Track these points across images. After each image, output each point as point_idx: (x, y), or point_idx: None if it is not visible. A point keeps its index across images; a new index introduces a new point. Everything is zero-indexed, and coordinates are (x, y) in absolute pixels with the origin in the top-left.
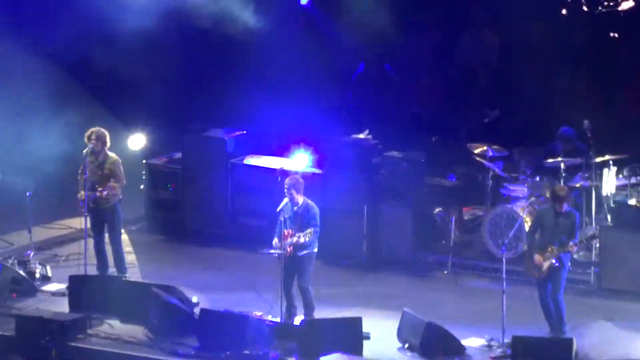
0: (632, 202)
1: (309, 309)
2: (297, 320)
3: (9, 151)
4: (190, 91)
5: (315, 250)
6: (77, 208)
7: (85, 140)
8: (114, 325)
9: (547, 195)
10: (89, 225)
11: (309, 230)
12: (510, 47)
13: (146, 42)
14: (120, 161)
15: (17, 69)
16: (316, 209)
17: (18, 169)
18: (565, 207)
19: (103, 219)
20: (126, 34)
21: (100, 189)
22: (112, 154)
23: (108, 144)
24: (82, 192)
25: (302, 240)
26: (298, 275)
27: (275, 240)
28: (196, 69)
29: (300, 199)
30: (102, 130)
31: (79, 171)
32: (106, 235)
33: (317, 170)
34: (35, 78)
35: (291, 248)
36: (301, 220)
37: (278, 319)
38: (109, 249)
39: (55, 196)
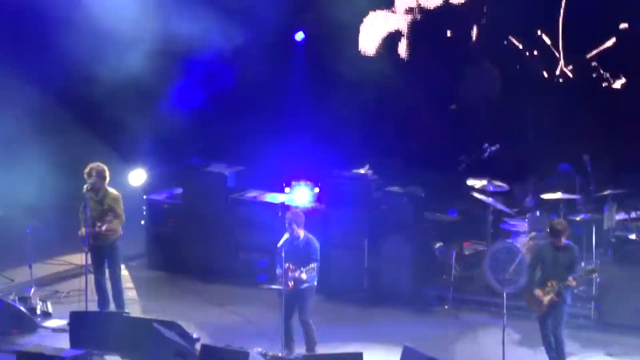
0: (632, 236)
1: (310, 342)
2: (298, 354)
3: (8, 187)
4: (191, 126)
5: (315, 283)
6: (77, 244)
7: (85, 176)
8: None
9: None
10: (89, 261)
11: (312, 265)
12: (511, 80)
13: (146, 77)
14: (120, 197)
15: (12, 103)
16: (317, 243)
17: (18, 204)
18: (564, 241)
19: (103, 256)
20: (124, 69)
21: (99, 224)
22: (112, 190)
23: (107, 179)
24: (83, 229)
25: (304, 276)
26: (299, 309)
27: (278, 272)
28: (195, 104)
29: (301, 233)
30: (102, 165)
31: (80, 208)
32: (106, 271)
33: (317, 205)
34: (33, 113)
35: (292, 282)
36: (302, 254)
37: (279, 354)
38: (109, 285)
39: (55, 232)
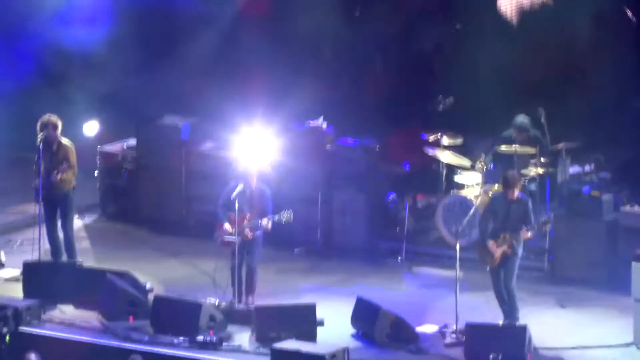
0: (585, 189)
1: (251, 287)
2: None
3: None
4: (145, 78)
5: (262, 233)
6: (31, 195)
7: (38, 128)
8: (68, 311)
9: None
10: (42, 212)
11: (287, 213)
12: (465, 33)
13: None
14: (73, 147)
15: None
16: (270, 193)
17: None
18: (518, 194)
19: (56, 206)
20: (83, 20)
21: (55, 172)
22: (65, 141)
23: (59, 130)
24: (37, 181)
25: (268, 224)
26: (249, 257)
27: (227, 225)
28: (150, 55)
29: (255, 183)
30: (54, 117)
31: (34, 160)
32: (59, 222)
33: (271, 156)
34: None
35: (251, 231)
36: (258, 203)
37: (231, 305)
38: (62, 236)
39: (9, 183)
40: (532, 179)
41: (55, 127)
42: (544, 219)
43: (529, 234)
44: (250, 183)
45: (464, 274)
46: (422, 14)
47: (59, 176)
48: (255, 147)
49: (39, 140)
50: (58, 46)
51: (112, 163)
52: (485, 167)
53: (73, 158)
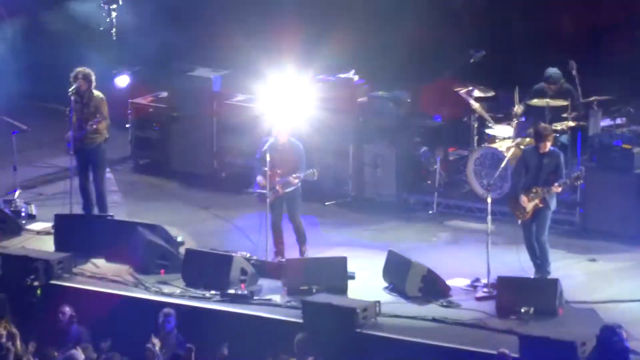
0: (617, 143)
1: (302, 239)
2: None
3: None
4: (176, 30)
5: (299, 183)
6: (63, 147)
7: (71, 80)
8: (99, 264)
9: (532, 135)
10: (75, 164)
11: (312, 171)
12: None
13: None
14: (105, 99)
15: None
16: (301, 147)
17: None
18: (549, 147)
19: (88, 159)
20: None
21: (90, 123)
22: (97, 93)
23: (94, 83)
24: (69, 132)
25: (297, 181)
26: (289, 211)
27: (260, 178)
28: (182, 8)
29: (286, 138)
30: (88, 69)
31: (66, 111)
32: (90, 174)
33: (303, 109)
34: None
35: (281, 187)
36: (289, 158)
37: (263, 258)
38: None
39: (40, 135)
40: (564, 132)
41: (87, 78)
42: (576, 174)
43: (560, 189)
44: (280, 137)
45: (496, 227)
46: None
47: (94, 126)
48: (286, 100)
49: (70, 92)
50: None
51: (143, 116)
52: (519, 117)
53: (105, 110)
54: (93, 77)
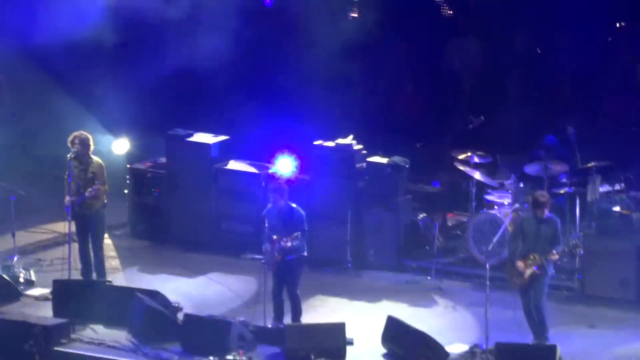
0: (616, 208)
1: (297, 314)
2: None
3: None
4: (175, 96)
5: (305, 254)
6: (61, 213)
7: (69, 144)
8: (98, 330)
9: (530, 202)
10: (73, 230)
11: (296, 234)
12: (495, 53)
13: (130, 48)
14: (104, 165)
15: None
16: (302, 212)
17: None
18: (547, 213)
19: (87, 224)
20: (109, 40)
21: (89, 189)
22: (96, 158)
23: (92, 147)
24: (67, 198)
25: (288, 244)
26: (288, 281)
27: (265, 246)
28: (181, 75)
29: (285, 203)
30: (85, 134)
31: (64, 176)
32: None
33: (301, 176)
34: (12, 79)
35: (279, 254)
36: (287, 224)
37: (261, 324)
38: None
39: (39, 201)
40: (562, 198)
41: (86, 143)
42: (573, 242)
43: (558, 256)
44: (279, 203)
45: (494, 293)
46: (453, 33)
47: (93, 193)
48: (284, 166)
49: (69, 157)
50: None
51: (142, 181)
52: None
53: (104, 176)
54: (91, 141)
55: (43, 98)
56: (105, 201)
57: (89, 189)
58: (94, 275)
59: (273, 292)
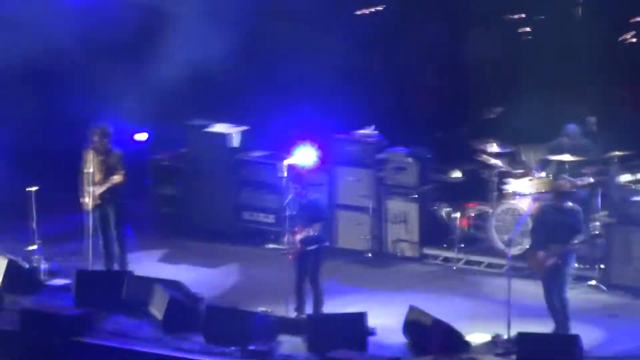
0: (637, 198)
1: (319, 304)
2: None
3: (12, 146)
4: (194, 86)
5: (326, 244)
6: (83, 204)
7: (90, 136)
8: (120, 321)
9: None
10: (95, 221)
11: (316, 224)
12: (515, 42)
13: (149, 39)
14: (122, 155)
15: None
16: (323, 202)
17: (22, 164)
18: (568, 203)
19: (109, 215)
20: (127, 31)
21: (110, 178)
22: (115, 149)
23: (111, 138)
24: (88, 189)
25: (310, 234)
26: (309, 271)
27: (287, 237)
28: (200, 66)
29: (305, 194)
30: (106, 126)
31: (85, 168)
32: (112, 230)
33: (322, 166)
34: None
35: (300, 244)
36: (308, 214)
37: (284, 315)
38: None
39: (61, 192)
40: (583, 188)
41: (106, 135)
42: (594, 232)
43: (579, 247)
44: (300, 193)
45: (516, 282)
46: (472, 22)
47: (112, 182)
48: (305, 156)
49: (90, 148)
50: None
51: (162, 172)
52: (535, 171)
53: (123, 165)
54: (111, 133)
55: (61, 91)
56: (125, 192)
57: (109, 178)
58: (116, 266)
59: (295, 283)
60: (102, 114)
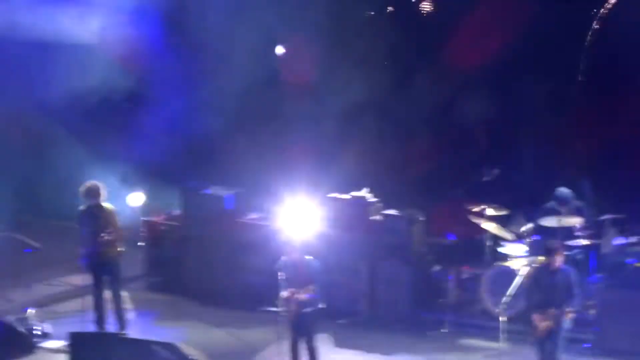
0: (631, 260)
1: None
2: None
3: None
4: (189, 149)
5: (321, 306)
6: (76, 264)
7: (81, 195)
8: None
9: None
10: (90, 281)
11: (311, 286)
12: (509, 106)
13: (145, 98)
14: (115, 210)
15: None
16: (316, 264)
17: (15, 225)
18: (560, 263)
19: (103, 273)
20: (125, 91)
21: (102, 235)
22: (107, 205)
23: (103, 196)
24: (83, 249)
25: (303, 296)
26: (304, 334)
27: (280, 297)
28: (194, 128)
29: (299, 255)
30: (96, 183)
31: (78, 228)
32: (105, 290)
33: (315, 227)
34: (29, 134)
35: (296, 306)
36: (302, 276)
37: None
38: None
39: (53, 253)
40: (577, 250)
41: (99, 193)
42: (589, 303)
43: (573, 315)
44: (293, 255)
45: (509, 345)
46: (466, 86)
47: (105, 239)
48: (299, 218)
49: (83, 207)
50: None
51: (156, 233)
52: (528, 235)
53: (116, 221)
54: (102, 190)
55: (57, 152)
56: (122, 248)
57: (104, 234)
58: (117, 323)
59: (290, 344)
60: (98, 174)
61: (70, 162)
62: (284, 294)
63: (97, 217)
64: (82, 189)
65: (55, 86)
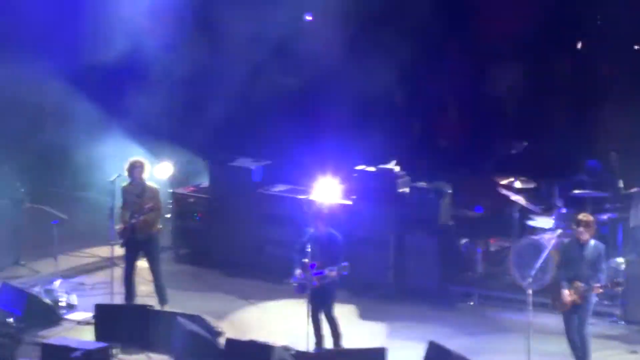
0: None
1: (337, 336)
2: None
3: (35, 179)
4: (217, 121)
5: (338, 278)
6: (105, 237)
7: (125, 172)
8: (139, 355)
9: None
10: (122, 254)
11: (344, 265)
12: (538, 77)
13: (174, 72)
14: (159, 190)
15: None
16: (340, 238)
17: (46, 197)
18: (590, 237)
19: (139, 249)
20: (154, 63)
21: (136, 216)
22: (151, 184)
23: (147, 173)
24: (121, 225)
25: (334, 274)
26: (323, 305)
27: (298, 271)
28: (223, 99)
29: (325, 229)
30: (141, 159)
31: (120, 203)
32: (137, 265)
33: (344, 201)
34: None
35: (319, 280)
36: (327, 250)
37: (303, 348)
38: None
39: (82, 225)
40: (605, 223)
41: (142, 169)
42: (616, 280)
43: (601, 290)
44: (320, 228)
45: (537, 318)
46: (496, 57)
47: (147, 211)
48: (326, 191)
49: (125, 183)
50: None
51: (184, 206)
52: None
53: (159, 201)
54: (147, 167)
55: (88, 123)
56: (160, 226)
57: (139, 212)
58: (138, 300)
59: (311, 316)
60: (129, 146)
61: (96, 133)
62: (301, 268)
63: (138, 194)
64: (125, 165)
65: (88, 55)
